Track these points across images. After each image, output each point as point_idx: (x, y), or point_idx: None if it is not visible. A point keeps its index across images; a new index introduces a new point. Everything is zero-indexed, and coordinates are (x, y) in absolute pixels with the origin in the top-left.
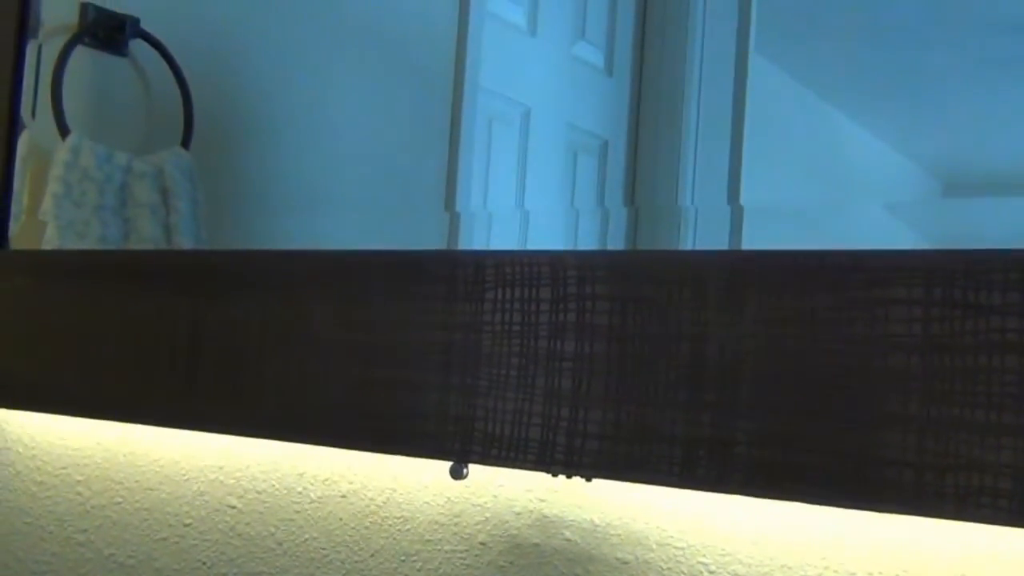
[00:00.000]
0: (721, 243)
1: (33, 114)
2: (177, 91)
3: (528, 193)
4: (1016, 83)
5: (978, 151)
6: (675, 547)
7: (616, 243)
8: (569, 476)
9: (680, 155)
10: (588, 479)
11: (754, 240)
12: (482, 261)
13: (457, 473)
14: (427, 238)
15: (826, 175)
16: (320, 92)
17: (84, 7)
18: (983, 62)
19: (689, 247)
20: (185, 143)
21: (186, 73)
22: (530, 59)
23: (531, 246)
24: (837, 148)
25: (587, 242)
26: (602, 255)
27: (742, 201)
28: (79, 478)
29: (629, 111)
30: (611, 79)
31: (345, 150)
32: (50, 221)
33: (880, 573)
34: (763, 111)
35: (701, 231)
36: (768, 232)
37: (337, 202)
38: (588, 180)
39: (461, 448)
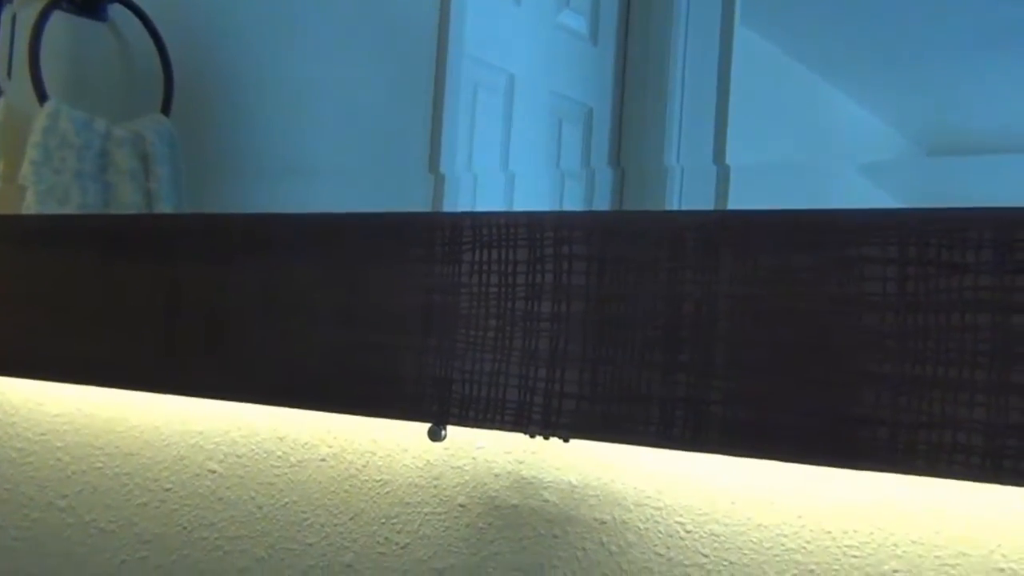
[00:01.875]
0: (707, 205)
1: (9, 75)
2: (157, 56)
3: (513, 160)
4: (998, 52)
5: (958, 118)
6: (653, 507)
7: (602, 206)
8: (546, 437)
9: (665, 123)
10: (565, 440)
11: (740, 203)
12: (459, 223)
13: (435, 435)
14: (412, 204)
15: (811, 142)
16: (303, 58)
17: None
18: (965, 32)
19: (675, 209)
20: (165, 109)
21: (166, 38)
22: (515, 27)
23: (517, 210)
24: (824, 118)
25: (573, 205)
26: (579, 216)
27: (728, 161)
28: (59, 444)
29: (614, 79)
30: (596, 47)
31: (329, 116)
32: (29, 187)
33: (855, 531)
34: (748, 79)
35: (687, 192)
36: (754, 196)
37: (320, 168)
38: (573, 147)
39: (439, 410)
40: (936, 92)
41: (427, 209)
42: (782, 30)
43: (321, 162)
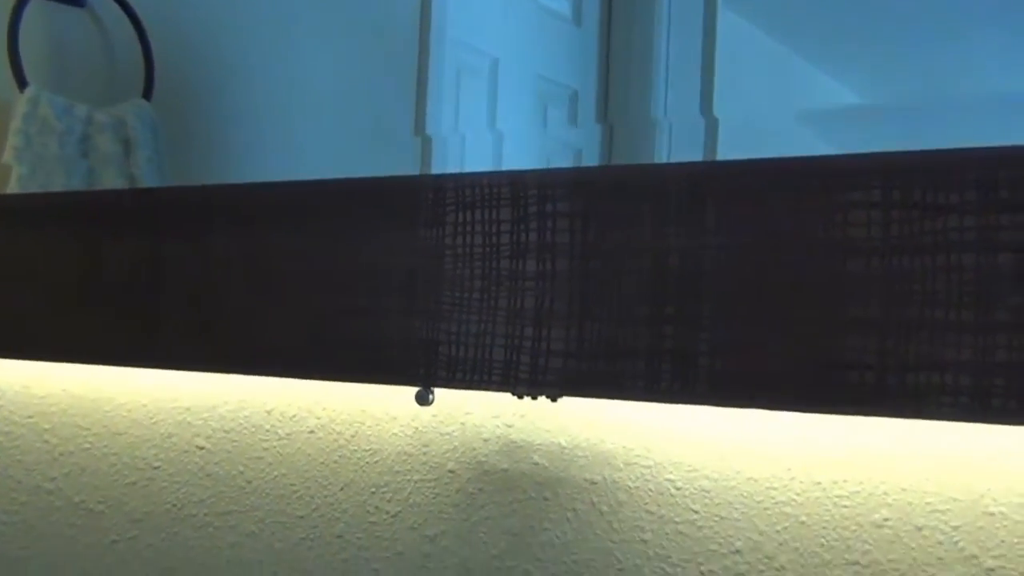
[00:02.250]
0: (696, 158)
1: None
2: (137, 41)
3: (501, 145)
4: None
5: (914, 83)
6: (642, 465)
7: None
8: (535, 397)
9: (650, 107)
10: (554, 399)
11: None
12: (442, 185)
13: (423, 399)
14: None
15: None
16: (284, 45)
17: None
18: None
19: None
20: (146, 94)
21: (145, 22)
22: (497, 10)
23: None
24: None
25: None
26: (561, 172)
27: (716, 114)
28: (46, 426)
29: (599, 60)
30: (580, 29)
31: (312, 102)
32: (12, 173)
33: (845, 480)
34: (731, 59)
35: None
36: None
37: (306, 154)
38: (559, 128)
39: (426, 373)
40: (892, 58)
41: None
42: (766, 14)
43: (306, 147)
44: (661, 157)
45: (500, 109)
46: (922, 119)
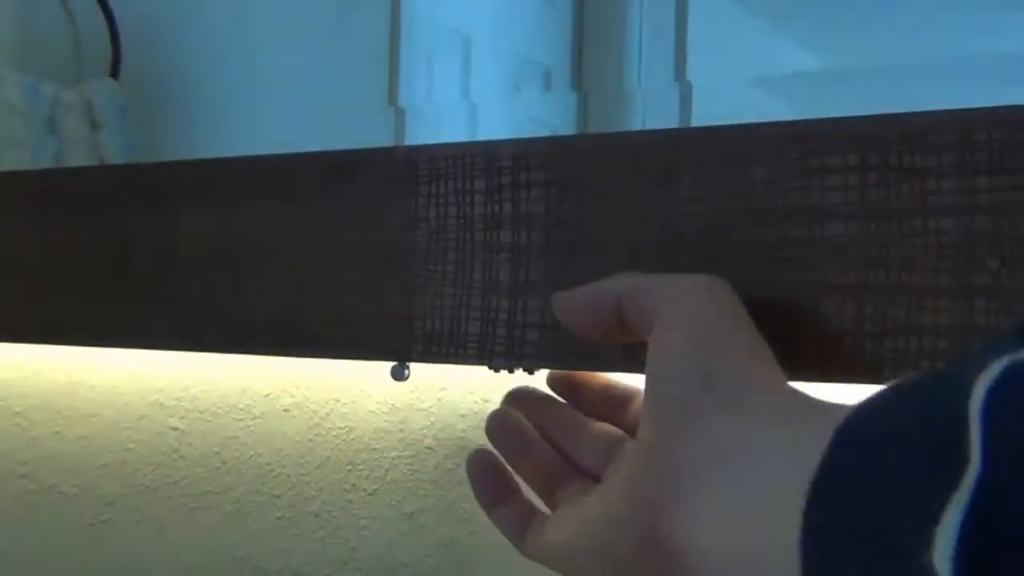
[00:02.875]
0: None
1: None
2: (103, 19)
3: (474, 123)
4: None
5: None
6: None
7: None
8: (511, 370)
9: (624, 76)
10: (530, 371)
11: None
12: (415, 156)
13: (398, 374)
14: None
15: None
16: (251, 22)
17: None
18: None
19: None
20: (113, 72)
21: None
22: None
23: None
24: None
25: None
26: (535, 142)
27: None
28: (17, 410)
29: (572, 35)
30: (552, 8)
31: (279, 79)
32: None
33: None
34: (705, 34)
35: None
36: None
37: (274, 135)
38: (532, 107)
39: (400, 348)
40: (852, 22)
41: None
42: None
43: (276, 123)
44: (636, 126)
45: (473, 88)
46: (880, 83)
